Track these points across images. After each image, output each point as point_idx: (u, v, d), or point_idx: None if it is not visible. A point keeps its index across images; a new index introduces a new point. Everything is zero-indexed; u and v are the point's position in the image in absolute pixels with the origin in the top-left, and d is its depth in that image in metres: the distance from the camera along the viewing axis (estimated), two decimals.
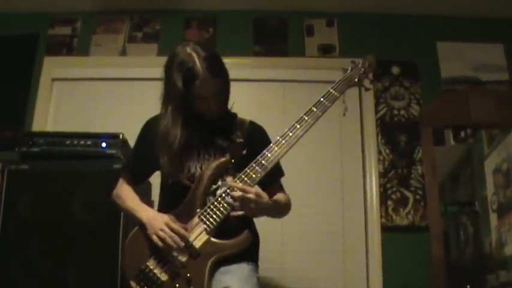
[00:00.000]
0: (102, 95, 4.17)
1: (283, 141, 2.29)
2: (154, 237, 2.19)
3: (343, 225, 3.89)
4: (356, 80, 2.55)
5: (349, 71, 2.57)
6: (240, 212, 2.21)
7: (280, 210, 2.53)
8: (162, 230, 2.18)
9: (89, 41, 4.30)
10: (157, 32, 4.32)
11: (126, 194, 2.47)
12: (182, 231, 2.18)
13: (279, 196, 2.51)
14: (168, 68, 2.30)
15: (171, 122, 2.30)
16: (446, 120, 3.64)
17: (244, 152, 2.38)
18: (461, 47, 4.20)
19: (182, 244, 2.17)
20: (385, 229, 3.80)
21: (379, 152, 3.96)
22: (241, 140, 2.43)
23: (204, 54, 2.23)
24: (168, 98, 2.33)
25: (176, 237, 2.17)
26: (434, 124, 3.61)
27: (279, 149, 2.27)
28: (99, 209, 3.02)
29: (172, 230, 2.18)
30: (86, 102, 4.14)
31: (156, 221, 2.23)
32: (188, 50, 2.25)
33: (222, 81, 2.32)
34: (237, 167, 2.32)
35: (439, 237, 3.33)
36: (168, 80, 2.30)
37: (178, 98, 2.26)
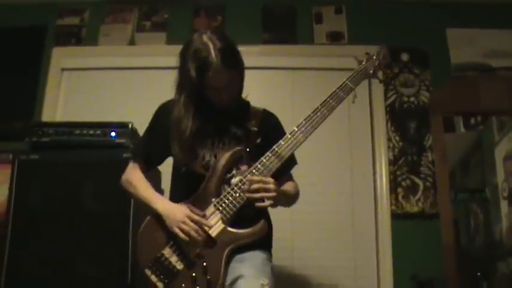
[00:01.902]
0: (111, 85, 4.18)
1: (299, 132, 2.30)
2: (177, 230, 2.19)
3: (353, 213, 3.89)
4: (371, 72, 2.55)
5: (364, 63, 2.57)
6: (267, 203, 2.20)
7: (291, 200, 2.53)
8: (184, 222, 2.18)
9: (97, 30, 4.30)
10: (165, 21, 4.31)
11: (138, 181, 2.45)
12: (204, 221, 2.19)
13: (288, 186, 2.51)
14: (183, 55, 2.28)
15: (183, 110, 2.29)
16: (456, 107, 3.62)
17: (259, 140, 2.39)
18: (471, 33, 4.17)
19: (205, 235, 2.18)
20: (395, 216, 3.81)
21: (389, 139, 3.96)
22: (255, 128, 2.43)
23: (219, 45, 2.21)
24: (181, 86, 2.31)
25: (199, 230, 2.18)
26: (444, 111, 3.59)
27: (294, 139, 2.28)
28: (108, 198, 3.02)
29: (193, 221, 2.18)
30: (95, 91, 4.15)
31: (176, 214, 2.23)
32: (205, 38, 2.22)
33: (235, 73, 2.30)
34: (251, 156, 2.33)
35: (449, 225, 3.32)
36: (182, 68, 2.28)
37: (191, 86, 2.25)
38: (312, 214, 3.82)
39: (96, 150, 3.20)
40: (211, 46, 2.19)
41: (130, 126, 3.25)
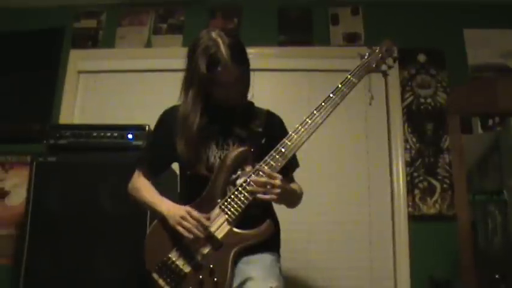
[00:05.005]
0: (128, 87, 4.21)
1: (302, 129, 2.29)
2: (178, 227, 2.19)
3: (370, 215, 3.88)
4: (374, 65, 2.52)
5: (366, 57, 2.55)
6: (267, 196, 2.19)
7: (296, 200, 2.52)
8: (183, 217, 2.18)
9: (114, 33, 4.34)
10: (182, 23, 4.33)
11: (143, 187, 2.46)
12: (203, 218, 2.18)
13: (294, 186, 2.51)
14: (191, 53, 2.26)
15: (191, 106, 2.26)
16: (473, 108, 3.59)
17: (263, 141, 2.39)
18: (488, 33, 4.14)
19: (206, 228, 2.18)
20: (412, 218, 3.79)
21: (406, 141, 3.94)
22: (259, 129, 2.43)
23: (228, 41, 2.21)
24: (189, 83, 2.29)
25: (199, 225, 2.17)
26: (461, 112, 3.57)
27: (298, 137, 2.28)
28: (126, 200, 3.02)
29: (193, 217, 2.18)
30: (112, 94, 4.18)
31: (177, 211, 2.23)
32: (213, 35, 2.22)
33: (243, 70, 2.30)
34: (255, 157, 2.31)
35: (467, 226, 3.29)
36: (190, 65, 2.27)
37: (201, 82, 2.23)
38: (328, 215, 3.82)
39: (113, 153, 3.22)
40: (220, 42, 2.19)
41: (147, 128, 3.26)
